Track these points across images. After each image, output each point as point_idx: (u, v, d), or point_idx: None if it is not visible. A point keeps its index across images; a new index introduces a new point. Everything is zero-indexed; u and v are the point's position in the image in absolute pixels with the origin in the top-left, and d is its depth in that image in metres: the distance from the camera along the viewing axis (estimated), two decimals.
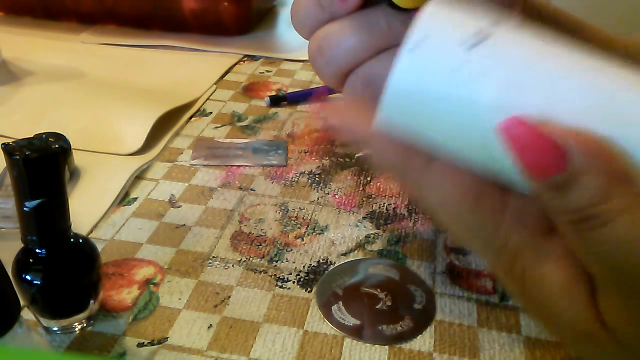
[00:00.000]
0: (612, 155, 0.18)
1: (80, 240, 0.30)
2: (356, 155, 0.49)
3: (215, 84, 0.61)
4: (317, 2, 0.30)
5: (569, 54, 0.19)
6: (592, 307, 0.20)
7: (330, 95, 0.58)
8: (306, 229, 0.40)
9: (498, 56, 0.19)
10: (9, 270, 0.25)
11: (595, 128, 0.18)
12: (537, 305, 0.22)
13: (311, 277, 0.36)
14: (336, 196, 0.44)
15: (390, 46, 0.28)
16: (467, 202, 0.21)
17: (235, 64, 0.66)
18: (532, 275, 0.21)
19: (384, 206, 0.43)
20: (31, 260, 0.29)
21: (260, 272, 0.36)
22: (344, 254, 0.38)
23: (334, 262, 0.37)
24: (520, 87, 0.19)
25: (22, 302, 0.27)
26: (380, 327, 0.32)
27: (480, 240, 0.22)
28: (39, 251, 0.28)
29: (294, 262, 0.37)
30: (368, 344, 0.32)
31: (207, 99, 0.58)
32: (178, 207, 0.42)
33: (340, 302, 0.34)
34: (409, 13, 0.30)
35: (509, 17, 0.21)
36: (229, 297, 0.34)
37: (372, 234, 0.40)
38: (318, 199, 0.43)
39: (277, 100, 0.57)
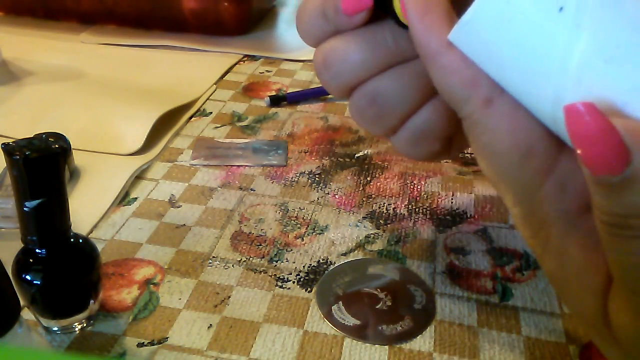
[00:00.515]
0: None
1: (80, 240, 0.30)
2: (356, 155, 0.49)
3: (215, 84, 0.61)
4: (322, 13, 0.29)
5: None
6: (602, 301, 0.19)
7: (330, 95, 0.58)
8: (306, 229, 0.40)
9: (615, 8, 0.16)
10: (9, 270, 0.25)
11: None
12: (551, 272, 0.21)
13: (311, 277, 0.36)
14: (336, 196, 0.44)
15: (396, 64, 0.28)
16: (516, 154, 0.20)
17: (235, 64, 0.66)
18: (555, 245, 0.20)
19: (384, 206, 0.43)
20: (31, 260, 0.29)
21: (260, 272, 0.36)
22: (344, 254, 0.38)
23: (334, 262, 0.37)
24: (613, 58, 0.16)
25: (22, 302, 0.27)
26: (380, 327, 0.32)
27: (515, 195, 0.21)
28: (39, 251, 0.28)
29: (294, 262, 0.37)
30: (368, 344, 0.32)
31: (207, 99, 0.58)
32: (178, 207, 0.42)
33: (340, 302, 0.34)
34: None
35: None
36: (229, 297, 0.34)
37: (372, 234, 0.40)
38: (318, 199, 0.43)
39: (277, 100, 0.57)
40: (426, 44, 0.20)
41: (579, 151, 0.17)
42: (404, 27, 0.28)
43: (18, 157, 0.25)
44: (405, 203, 0.43)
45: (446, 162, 0.48)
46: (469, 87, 0.20)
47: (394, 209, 0.43)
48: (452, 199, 0.44)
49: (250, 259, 0.37)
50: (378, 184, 0.45)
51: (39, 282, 0.29)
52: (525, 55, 0.17)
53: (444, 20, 0.20)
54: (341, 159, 0.48)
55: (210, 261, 0.37)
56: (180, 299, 0.34)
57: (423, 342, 0.32)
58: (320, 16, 0.29)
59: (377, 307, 0.34)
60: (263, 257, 0.38)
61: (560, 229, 0.20)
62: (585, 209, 0.20)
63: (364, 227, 0.41)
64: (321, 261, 0.37)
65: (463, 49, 0.19)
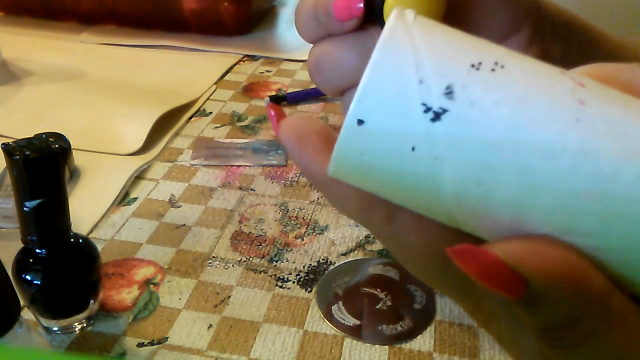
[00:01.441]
0: (581, 275, 0.16)
1: (80, 240, 0.30)
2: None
3: (215, 84, 0.61)
4: (314, 16, 0.29)
5: (553, 119, 0.15)
6: None
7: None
8: (306, 229, 0.40)
9: (466, 133, 0.16)
10: (9, 270, 0.25)
11: (575, 224, 0.15)
12: (511, 356, 0.21)
13: (311, 277, 0.36)
14: None
15: None
16: (437, 263, 0.19)
17: (235, 64, 0.66)
18: (508, 335, 0.20)
19: None
20: (31, 260, 0.29)
21: (260, 272, 0.36)
22: (344, 254, 0.38)
23: (334, 262, 0.37)
24: (482, 180, 0.16)
25: (22, 302, 0.27)
26: (380, 327, 0.32)
27: (454, 296, 0.20)
28: (39, 251, 0.28)
29: (294, 262, 0.37)
30: (368, 344, 0.32)
31: (207, 99, 0.58)
32: (178, 207, 0.42)
33: (340, 302, 0.34)
34: None
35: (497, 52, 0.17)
36: (229, 297, 0.34)
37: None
38: (318, 199, 0.43)
39: (277, 100, 0.57)
40: (310, 177, 0.19)
41: (480, 283, 0.16)
42: None
43: (18, 157, 0.25)
44: None
45: None
46: (365, 211, 0.19)
47: None
48: None
49: (250, 259, 0.37)
50: None
51: (39, 282, 0.29)
52: (403, 189, 0.17)
53: (323, 153, 0.19)
54: None
55: (210, 261, 0.37)
56: (180, 299, 0.34)
57: (423, 342, 0.32)
58: (312, 18, 0.29)
59: (377, 307, 0.34)
60: (263, 257, 0.38)
61: (506, 321, 0.20)
62: None
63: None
64: (321, 261, 0.37)
65: (346, 181, 0.18)
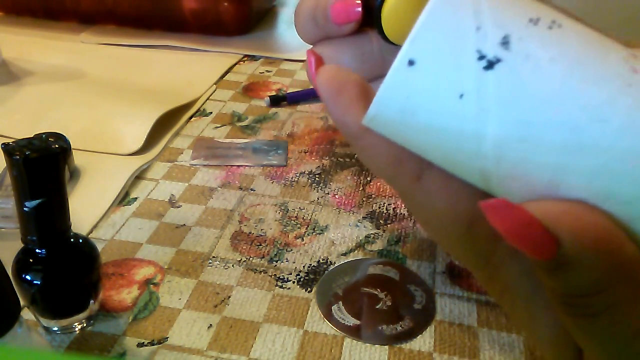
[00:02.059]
0: (615, 242, 0.15)
1: (80, 240, 0.30)
2: (356, 155, 0.49)
3: (215, 84, 0.61)
4: (313, 18, 0.29)
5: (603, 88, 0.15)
6: None
7: None
8: (306, 229, 0.40)
9: (518, 86, 0.15)
10: (9, 270, 0.25)
11: (614, 191, 0.15)
12: (523, 329, 0.21)
13: (311, 277, 0.36)
14: (336, 196, 0.44)
15: (382, 75, 0.28)
16: (460, 227, 0.19)
17: (235, 64, 0.66)
18: (522, 307, 0.20)
19: (384, 206, 0.43)
20: (31, 260, 0.29)
21: (260, 272, 0.36)
22: (344, 254, 0.38)
23: (334, 262, 0.37)
24: (526, 137, 0.15)
25: (22, 302, 0.27)
26: (380, 327, 0.32)
27: (470, 263, 0.20)
28: (39, 251, 0.28)
29: (294, 262, 0.37)
30: (368, 344, 0.32)
31: (207, 99, 0.58)
32: (178, 207, 0.42)
33: (340, 302, 0.34)
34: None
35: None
36: (229, 297, 0.34)
37: (372, 234, 0.40)
38: (318, 199, 0.43)
39: (277, 100, 0.57)
40: (343, 127, 0.19)
41: (510, 242, 0.16)
42: (390, 42, 0.28)
43: (18, 157, 0.25)
44: None
45: None
46: (394, 165, 0.19)
47: (394, 209, 0.43)
48: None
49: (250, 259, 0.37)
50: (378, 183, 0.45)
51: (39, 282, 0.29)
52: (441, 140, 0.17)
53: (359, 102, 0.19)
54: (341, 159, 0.48)
55: (210, 261, 0.37)
56: (180, 299, 0.34)
57: (423, 342, 0.32)
58: (311, 21, 0.30)
59: (377, 307, 0.34)
60: (263, 257, 0.38)
61: (523, 292, 0.20)
62: None
63: (364, 227, 0.41)
64: (321, 261, 0.37)
65: (379, 132, 0.18)
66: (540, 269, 0.17)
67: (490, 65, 0.15)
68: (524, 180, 0.16)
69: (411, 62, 0.16)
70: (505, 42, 0.15)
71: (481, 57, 0.15)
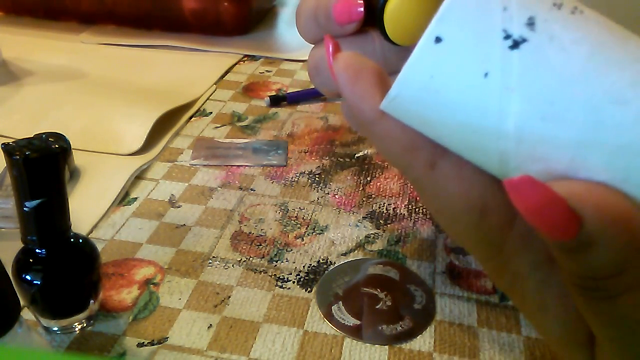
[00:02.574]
0: (633, 223, 0.15)
1: (80, 240, 0.30)
2: (356, 155, 0.49)
3: (215, 84, 0.61)
4: (314, 18, 0.29)
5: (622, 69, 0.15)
6: (589, 352, 0.19)
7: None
8: (306, 229, 0.40)
9: (542, 66, 0.16)
10: (9, 270, 0.25)
11: (633, 173, 0.15)
12: (533, 321, 0.21)
13: (311, 277, 0.36)
14: (336, 196, 0.44)
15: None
16: (472, 215, 0.19)
17: (235, 64, 0.66)
18: (532, 298, 0.20)
19: (384, 206, 0.43)
20: (31, 260, 0.29)
21: (260, 272, 0.36)
22: (344, 254, 0.38)
23: (334, 262, 0.37)
24: (549, 116, 0.16)
25: (22, 302, 0.27)
26: (380, 327, 0.32)
27: (481, 253, 0.20)
28: (39, 251, 0.28)
29: (294, 262, 0.37)
30: (368, 344, 0.32)
31: (207, 99, 0.58)
32: (178, 207, 0.42)
33: (340, 302, 0.34)
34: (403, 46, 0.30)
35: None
36: (229, 297, 0.34)
37: (372, 234, 0.40)
38: (318, 199, 0.43)
39: (277, 100, 0.57)
40: (360, 113, 0.19)
41: (531, 223, 0.16)
42: (392, 42, 0.28)
43: (18, 157, 0.25)
44: (405, 203, 0.43)
45: None
46: (409, 152, 0.19)
47: (394, 209, 0.43)
48: None
49: (250, 259, 0.37)
50: (378, 184, 0.45)
51: (39, 282, 0.29)
52: (461, 120, 0.17)
53: (376, 88, 0.19)
54: (341, 159, 0.48)
55: (210, 261, 0.37)
56: (180, 299, 0.34)
57: (423, 342, 0.32)
58: (312, 20, 0.29)
59: (377, 307, 0.34)
60: (263, 257, 0.38)
61: (534, 282, 0.19)
62: (552, 257, 0.19)
63: (364, 227, 0.41)
64: (321, 261, 0.37)
65: (397, 116, 0.18)
66: (558, 250, 0.17)
67: (515, 44, 0.16)
68: (543, 162, 0.16)
69: (438, 39, 0.16)
70: (530, 23, 0.16)
71: (507, 37, 0.16)
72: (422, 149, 0.19)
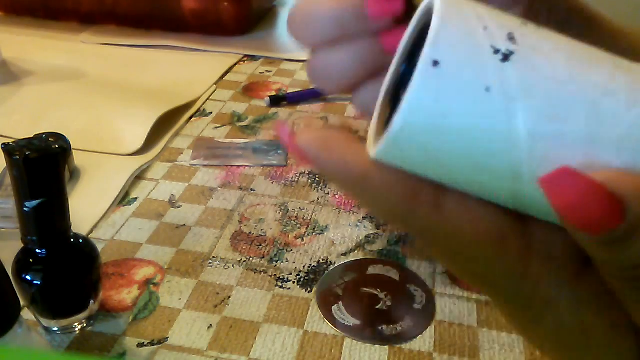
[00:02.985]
0: None
1: (80, 240, 0.30)
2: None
3: (215, 84, 0.61)
4: (334, 17, 0.28)
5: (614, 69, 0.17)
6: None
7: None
8: (306, 229, 0.40)
9: (535, 72, 0.16)
10: (9, 270, 0.25)
11: (638, 162, 0.16)
12: (576, 346, 0.19)
13: (311, 277, 0.36)
14: (336, 196, 0.44)
15: (380, 74, 0.28)
16: (491, 247, 0.18)
17: (235, 64, 0.66)
18: (570, 323, 0.19)
19: None
20: (31, 260, 0.29)
21: (260, 272, 0.36)
22: (344, 254, 0.38)
23: (334, 262, 0.37)
24: (554, 116, 0.16)
25: (22, 302, 0.27)
26: (380, 327, 0.32)
27: (505, 290, 0.19)
28: (39, 251, 0.28)
29: (294, 262, 0.37)
30: (368, 344, 0.32)
31: (207, 99, 0.58)
32: (178, 207, 0.42)
33: (340, 302, 0.34)
34: None
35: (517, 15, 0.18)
36: (229, 297, 0.34)
37: (372, 234, 0.40)
38: (318, 199, 0.43)
39: (277, 100, 0.57)
40: (347, 173, 0.18)
41: (570, 220, 0.15)
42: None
43: (18, 157, 0.25)
44: None
45: None
46: (410, 200, 0.17)
47: None
48: None
49: (250, 259, 0.37)
50: None
51: (39, 282, 0.29)
52: (469, 142, 0.17)
53: (353, 146, 0.18)
54: None
55: (210, 261, 0.37)
56: (180, 299, 0.34)
57: (423, 342, 0.32)
58: (331, 18, 0.29)
59: (377, 307, 0.34)
60: (263, 257, 0.38)
61: (568, 300, 0.18)
62: (579, 267, 0.18)
63: (364, 227, 0.41)
64: (321, 261, 0.37)
65: (394, 160, 0.18)
66: (598, 247, 0.16)
67: (505, 57, 0.17)
68: (558, 165, 0.17)
69: (435, 63, 0.17)
70: (511, 38, 0.17)
71: (496, 51, 0.17)
72: (423, 192, 0.18)
